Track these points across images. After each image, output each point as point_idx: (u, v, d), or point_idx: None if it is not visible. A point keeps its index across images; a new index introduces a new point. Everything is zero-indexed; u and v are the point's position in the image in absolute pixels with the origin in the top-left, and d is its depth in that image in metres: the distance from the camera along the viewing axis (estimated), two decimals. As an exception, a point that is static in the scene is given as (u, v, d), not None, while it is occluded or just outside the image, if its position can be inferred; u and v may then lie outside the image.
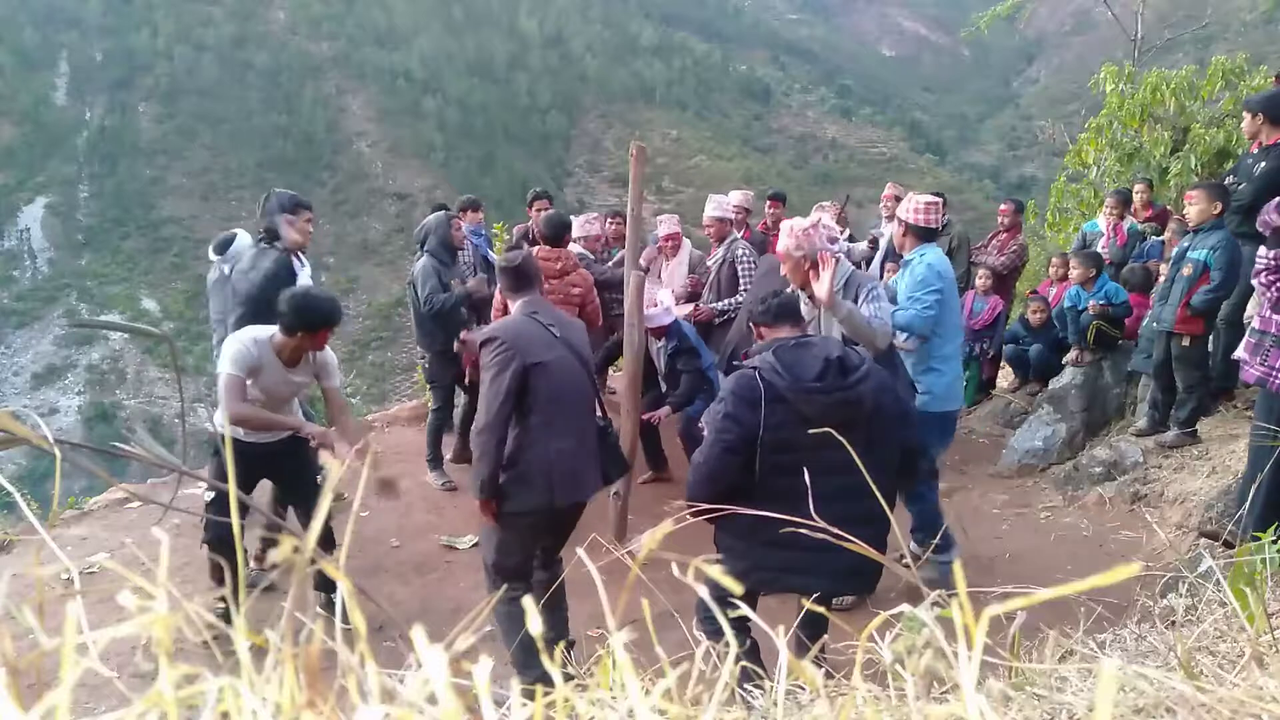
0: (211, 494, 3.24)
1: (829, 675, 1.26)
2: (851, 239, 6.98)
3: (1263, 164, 4.62)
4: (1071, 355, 5.89)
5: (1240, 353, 3.53)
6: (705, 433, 2.58)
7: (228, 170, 69.05)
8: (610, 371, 6.79)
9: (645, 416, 4.76)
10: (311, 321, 3.07)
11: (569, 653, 2.47)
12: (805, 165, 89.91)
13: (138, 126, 71.04)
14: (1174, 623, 1.69)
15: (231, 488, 0.61)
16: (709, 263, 5.54)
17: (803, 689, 1.17)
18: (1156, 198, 6.95)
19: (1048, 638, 1.46)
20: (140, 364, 50.96)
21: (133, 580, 0.56)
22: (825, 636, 2.33)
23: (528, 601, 0.62)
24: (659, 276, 5.71)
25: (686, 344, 4.83)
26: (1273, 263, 3.25)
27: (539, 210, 6.12)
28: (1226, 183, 4.74)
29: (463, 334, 4.76)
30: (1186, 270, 4.48)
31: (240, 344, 3.09)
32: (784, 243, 3.38)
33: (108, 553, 4.01)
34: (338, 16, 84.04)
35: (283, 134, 71.84)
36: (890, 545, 2.97)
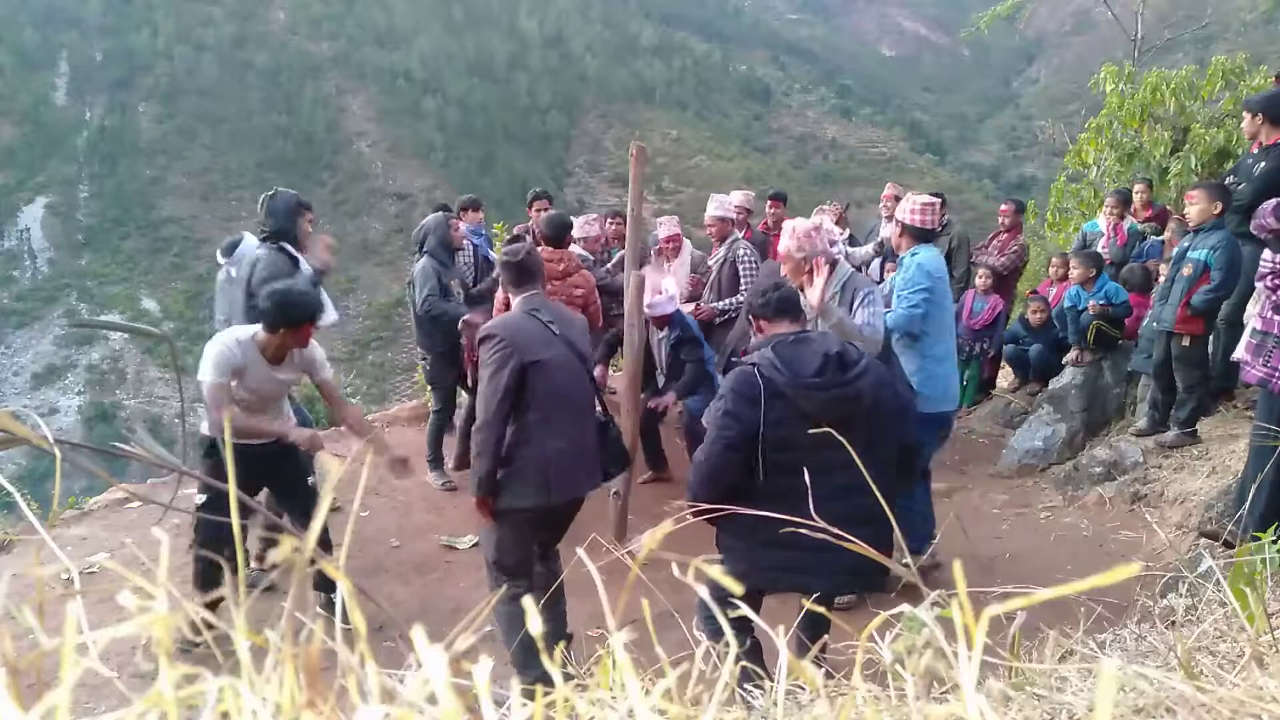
0: (203, 497, 3.20)
1: (829, 675, 1.26)
2: (852, 239, 6.98)
3: (1263, 164, 4.62)
4: (1071, 355, 5.89)
5: (1241, 354, 3.53)
6: (706, 431, 2.58)
7: (228, 170, 69.07)
8: (610, 371, 6.80)
9: (651, 404, 4.75)
10: (294, 317, 3.03)
11: (568, 649, 2.47)
12: (805, 165, 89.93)
13: (138, 126, 71.06)
14: (1174, 623, 1.69)
15: (231, 488, 0.61)
16: (710, 262, 5.55)
17: (803, 689, 1.17)
18: (1156, 198, 6.95)
19: (1048, 638, 1.46)
20: (140, 364, 50.97)
21: (133, 580, 0.56)
22: (826, 636, 2.33)
23: (528, 601, 0.62)
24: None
25: (689, 334, 4.82)
26: (1278, 267, 3.24)
27: (539, 210, 6.11)
28: (1227, 183, 4.74)
29: (466, 316, 4.72)
30: (1186, 270, 4.48)
31: (222, 346, 3.04)
32: (785, 243, 3.39)
33: (108, 553, 4.00)
34: (338, 16, 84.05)
35: (283, 134, 71.86)
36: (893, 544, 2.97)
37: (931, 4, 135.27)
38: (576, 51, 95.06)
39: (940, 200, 6.77)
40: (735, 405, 2.44)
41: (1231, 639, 1.28)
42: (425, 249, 4.86)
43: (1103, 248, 6.28)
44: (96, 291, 57.34)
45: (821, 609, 0.96)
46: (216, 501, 2.92)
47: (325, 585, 3.29)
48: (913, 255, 3.70)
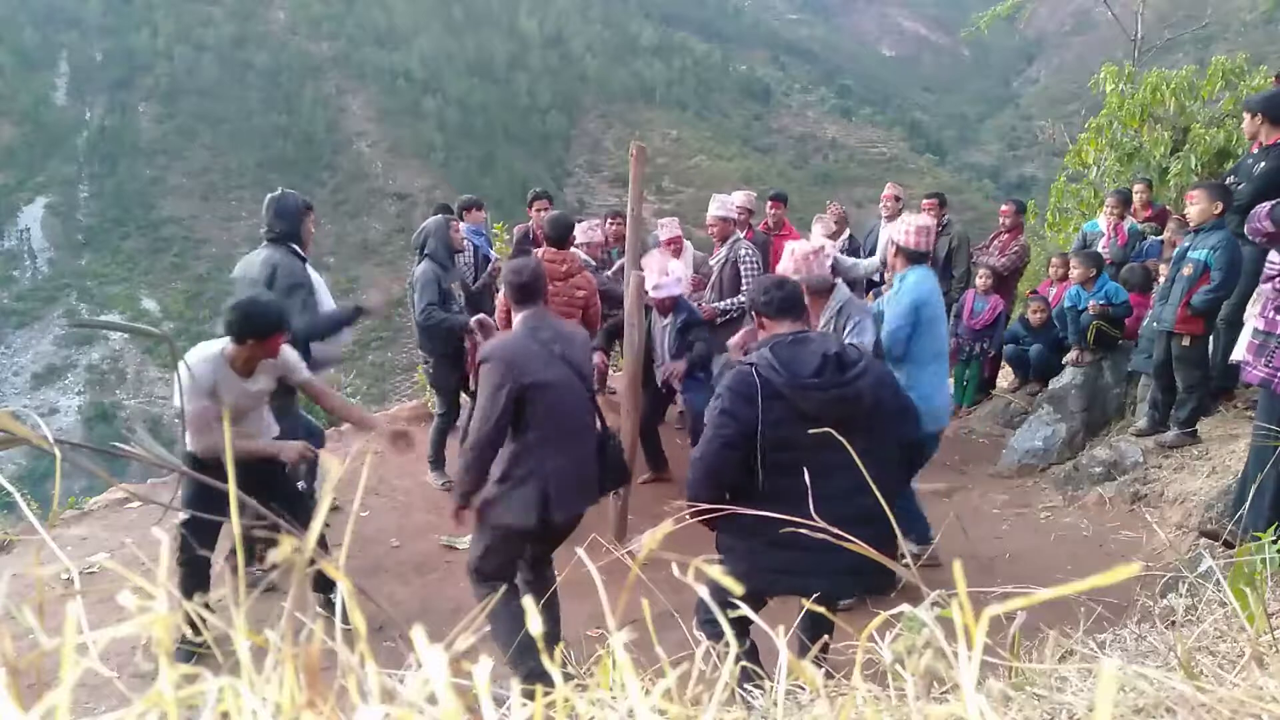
0: (185, 515, 3.15)
1: (829, 675, 1.26)
2: (851, 239, 6.98)
3: (1263, 164, 4.62)
4: (1071, 355, 5.89)
5: (1242, 354, 3.52)
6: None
7: (228, 170, 69.09)
8: (610, 371, 6.80)
9: (664, 372, 4.69)
10: (261, 328, 2.99)
11: (554, 651, 2.47)
12: (805, 165, 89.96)
13: (138, 126, 71.08)
14: (1174, 623, 1.69)
15: (232, 488, 0.61)
16: (711, 262, 5.55)
17: (803, 689, 1.17)
18: (1156, 198, 6.95)
19: (1048, 638, 1.46)
20: (140, 364, 50.99)
21: (133, 580, 0.56)
22: (826, 637, 2.33)
23: (528, 602, 0.62)
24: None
25: (696, 317, 4.81)
26: None
27: (539, 210, 6.11)
28: (1228, 183, 4.74)
29: (476, 318, 4.66)
30: (1187, 270, 4.48)
31: (193, 365, 2.99)
32: (785, 264, 3.43)
33: (108, 553, 4.00)
34: (338, 16, 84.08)
35: (283, 134, 71.89)
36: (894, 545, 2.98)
37: (931, 4, 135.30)
38: (576, 51, 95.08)
39: (940, 200, 6.80)
40: (732, 404, 2.44)
41: (1231, 639, 1.28)
42: (426, 252, 4.82)
43: (1103, 248, 6.28)
44: (96, 291, 57.35)
45: (822, 609, 0.96)
46: (198, 522, 2.90)
47: (324, 585, 3.28)
48: (902, 279, 3.73)
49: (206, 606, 0.62)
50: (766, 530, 2.41)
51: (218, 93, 73.82)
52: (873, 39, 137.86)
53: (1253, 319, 3.55)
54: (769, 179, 66.44)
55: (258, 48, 79.01)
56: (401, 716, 0.52)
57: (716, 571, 0.67)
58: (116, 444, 0.93)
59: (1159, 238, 6.22)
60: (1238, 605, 1.28)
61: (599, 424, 3.13)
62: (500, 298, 4.36)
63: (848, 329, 3.42)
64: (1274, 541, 1.50)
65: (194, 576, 3.08)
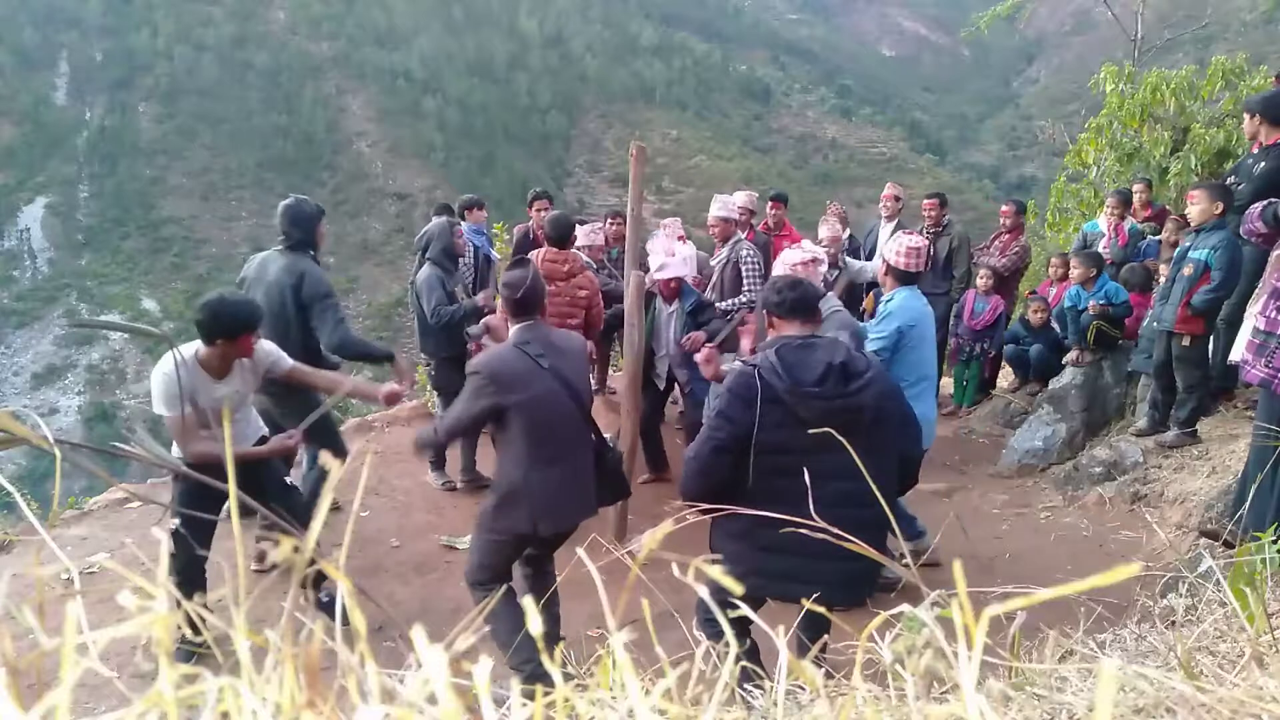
0: (176, 520, 3.13)
1: (829, 675, 1.26)
2: (851, 239, 6.98)
3: (1262, 164, 4.62)
4: (1071, 355, 5.89)
5: (1242, 353, 3.52)
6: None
7: (228, 170, 69.10)
8: (610, 371, 6.80)
9: (684, 343, 4.64)
10: (230, 328, 2.94)
11: (553, 650, 2.48)
12: (805, 165, 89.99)
13: (138, 126, 71.10)
14: (1174, 623, 1.69)
15: (232, 488, 0.61)
16: (713, 263, 5.55)
17: (803, 689, 1.17)
18: (1156, 198, 6.96)
19: (1048, 638, 1.46)
20: (140, 364, 50.95)
21: (133, 580, 0.56)
22: (826, 637, 2.33)
23: (528, 602, 0.62)
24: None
25: (706, 301, 4.81)
26: None
27: (539, 210, 6.11)
28: (1228, 183, 4.74)
29: (482, 324, 4.67)
30: (1187, 270, 4.48)
31: (163, 375, 2.94)
32: (778, 272, 3.46)
33: (108, 553, 4.00)
34: (338, 16, 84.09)
35: (283, 134, 71.90)
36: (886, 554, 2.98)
37: (931, 4, 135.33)
38: (576, 51, 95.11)
39: (941, 200, 6.80)
40: (729, 407, 2.44)
41: (1231, 639, 1.28)
42: (429, 256, 4.82)
43: (1103, 248, 6.28)
44: (96, 291, 57.36)
45: (821, 609, 0.96)
46: (192, 525, 2.89)
47: (317, 583, 3.26)
48: (888, 301, 3.75)
49: (205, 607, 0.62)
50: (757, 535, 2.42)
51: (218, 93, 73.84)
52: (873, 39, 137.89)
53: (1253, 317, 3.55)
54: (769, 179, 66.45)
55: (258, 48, 79.01)
56: (401, 716, 0.52)
57: (716, 571, 0.67)
58: (116, 444, 0.93)
59: (1158, 238, 6.23)
60: (1238, 605, 1.28)
61: (593, 436, 3.10)
62: (500, 308, 4.36)
63: None
64: (1274, 541, 1.50)
65: (191, 576, 3.07)
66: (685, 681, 0.72)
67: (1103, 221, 6.58)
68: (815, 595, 2.42)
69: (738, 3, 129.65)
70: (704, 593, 0.65)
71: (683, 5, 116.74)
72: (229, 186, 67.64)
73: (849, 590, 2.55)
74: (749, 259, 5.31)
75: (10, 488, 0.92)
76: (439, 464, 5.15)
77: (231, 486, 0.61)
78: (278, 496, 3.25)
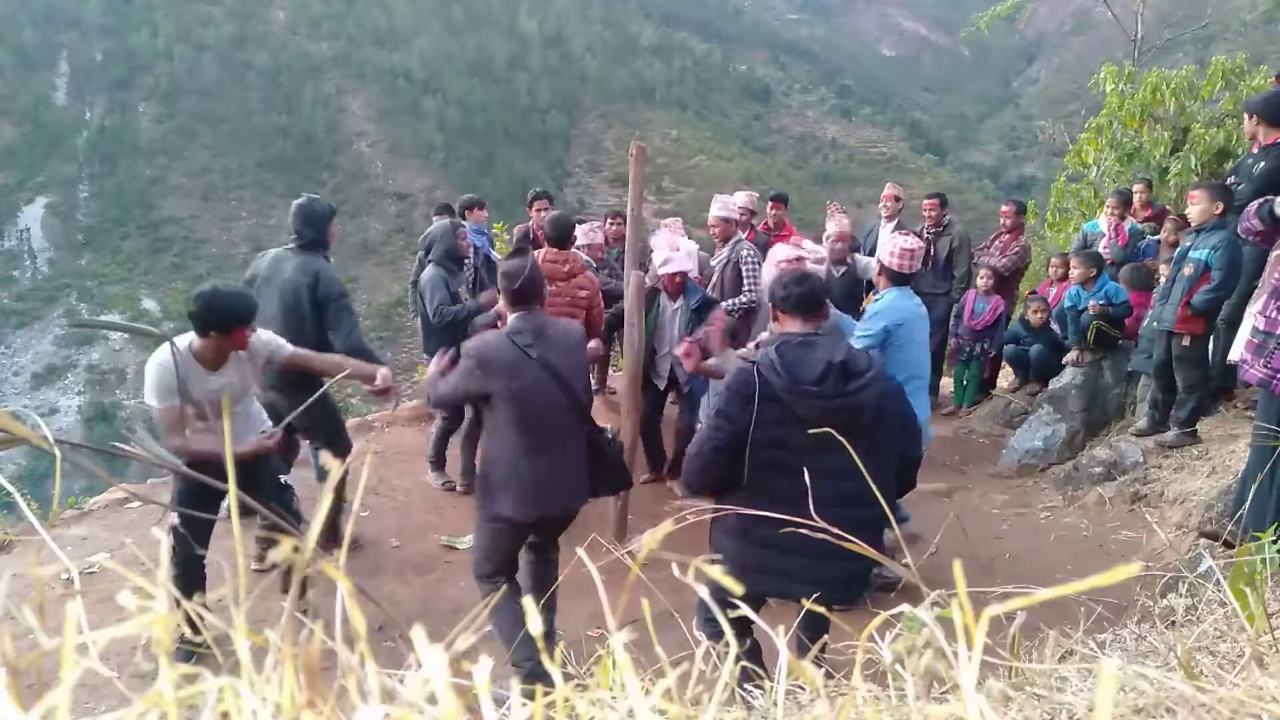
0: (175, 519, 3.10)
1: (829, 675, 1.26)
2: (851, 238, 6.97)
3: (1262, 164, 4.62)
4: (1071, 355, 5.89)
5: (1242, 353, 3.52)
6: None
7: (228, 170, 69.10)
8: (610, 371, 6.80)
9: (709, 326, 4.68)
10: (223, 320, 2.92)
11: (548, 649, 2.49)
12: (805, 165, 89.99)
13: (138, 126, 71.10)
14: (1174, 623, 1.69)
15: (232, 488, 0.61)
16: (713, 263, 5.55)
17: (803, 689, 1.17)
18: (1156, 198, 6.95)
19: (1048, 638, 1.46)
20: (140, 364, 50.81)
21: (133, 580, 0.56)
22: (825, 637, 2.33)
23: (528, 602, 0.62)
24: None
25: (711, 298, 4.82)
26: None
27: (539, 210, 6.11)
28: (1229, 183, 4.74)
29: (493, 311, 4.70)
30: (1187, 270, 4.48)
31: (157, 366, 2.92)
32: (768, 272, 3.46)
33: (108, 553, 4.00)
34: (338, 16, 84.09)
35: (283, 134, 71.90)
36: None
37: (931, 4, 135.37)
38: (576, 51, 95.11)
39: (941, 200, 6.80)
40: (728, 405, 2.45)
41: (1231, 639, 1.28)
42: (431, 257, 4.84)
43: (1104, 248, 6.28)
44: (96, 291, 57.36)
45: (821, 609, 0.96)
46: (191, 523, 2.88)
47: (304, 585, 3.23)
48: (877, 300, 3.76)
49: (205, 606, 0.62)
50: (754, 532, 2.44)
51: (218, 93, 73.84)
52: (873, 39, 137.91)
53: (1252, 317, 3.55)
54: (769, 179, 66.45)
55: (258, 48, 79.02)
56: (401, 716, 0.52)
57: (716, 571, 0.67)
58: (116, 444, 0.93)
59: (1156, 238, 6.23)
60: (1238, 605, 1.28)
61: (584, 425, 3.11)
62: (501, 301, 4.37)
63: None
64: (1274, 541, 1.50)
65: (190, 576, 3.06)
66: (685, 681, 0.72)
67: (1103, 221, 6.58)
68: (808, 595, 2.45)
69: (738, 3, 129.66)
70: (704, 593, 0.65)
71: (683, 5, 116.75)
72: (229, 186, 67.63)
73: (847, 590, 2.56)
74: (749, 259, 5.31)
75: (10, 488, 0.92)
76: (439, 464, 5.15)
77: (231, 486, 0.61)
78: (274, 496, 3.24)
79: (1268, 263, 3.55)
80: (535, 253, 4.94)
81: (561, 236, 4.80)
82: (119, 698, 0.60)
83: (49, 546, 0.71)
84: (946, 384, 7.26)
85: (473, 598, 3.72)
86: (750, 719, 1.18)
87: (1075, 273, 5.79)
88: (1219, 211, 4.43)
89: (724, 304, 5.35)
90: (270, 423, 3.42)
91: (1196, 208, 4.50)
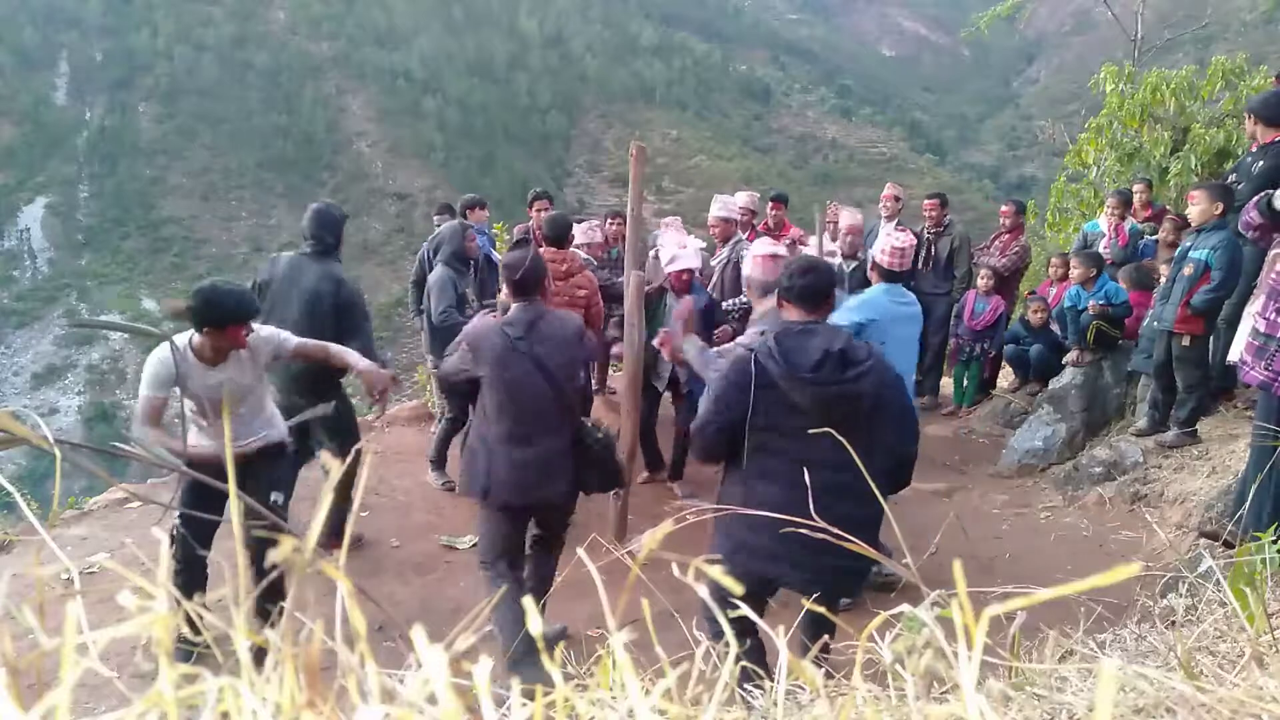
0: (176, 519, 3.04)
1: (829, 675, 1.26)
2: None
3: (1260, 163, 4.62)
4: (1071, 355, 5.89)
5: (1242, 354, 3.51)
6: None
7: (228, 170, 69.08)
8: (610, 371, 6.79)
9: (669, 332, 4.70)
10: (214, 317, 2.92)
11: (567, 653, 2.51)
12: (805, 165, 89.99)
13: (138, 126, 71.09)
14: (1174, 623, 1.69)
15: (232, 488, 0.61)
16: (713, 263, 5.54)
17: (803, 689, 1.17)
18: (1156, 198, 6.95)
19: (1048, 638, 1.46)
20: (140, 364, 50.66)
21: (133, 580, 0.56)
22: (826, 636, 2.33)
23: (528, 602, 0.62)
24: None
25: (716, 302, 4.84)
26: None
27: (539, 210, 6.11)
28: (1229, 182, 4.74)
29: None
30: (1187, 270, 4.48)
31: (157, 357, 2.96)
32: (747, 266, 3.58)
33: (108, 553, 4.00)
34: (338, 16, 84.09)
35: (283, 134, 71.88)
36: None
37: (931, 4, 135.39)
38: (576, 51, 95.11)
39: (941, 200, 6.80)
40: (726, 391, 2.50)
41: (1231, 639, 1.28)
42: (440, 258, 4.85)
43: (1104, 248, 6.28)
44: (96, 291, 57.35)
45: (821, 609, 0.96)
46: (193, 524, 2.88)
47: (273, 596, 3.21)
48: (860, 294, 3.81)
49: (204, 606, 0.62)
50: (750, 515, 2.48)
51: (218, 93, 73.82)
52: (873, 39, 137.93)
53: (1251, 317, 3.54)
54: (769, 179, 66.45)
55: (258, 48, 79.01)
56: (401, 716, 0.52)
57: (716, 571, 0.67)
58: (116, 444, 0.93)
59: (1155, 238, 6.23)
60: (1238, 605, 1.28)
61: (570, 419, 3.14)
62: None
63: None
64: (1274, 541, 1.50)
65: (191, 576, 3.06)
66: (685, 681, 0.72)
67: (1103, 221, 6.58)
68: (795, 580, 2.46)
69: (738, 3, 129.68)
70: (704, 592, 0.65)
71: (683, 5, 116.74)
72: (229, 186, 67.61)
73: (838, 581, 2.54)
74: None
75: (10, 488, 0.92)
76: (440, 464, 5.15)
77: (232, 486, 0.61)
78: (262, 504, 3.22)
79: (1265, 263, 3.55)
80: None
81: (558, 236, 4.81)
82: (119, 698, 0.60)
83: (49, 546, 0.71)
84: (946, 384, 7.26)
85: (473, 598, 3.72)
86: (750, 719, 1.18)
87: (1075, 273, 5.79)
88: (1219, 212, 4.43)
89: (724, 304, 5.36)
90: (285, 427, 3.40)
91: (1196, 208, 4.50)
